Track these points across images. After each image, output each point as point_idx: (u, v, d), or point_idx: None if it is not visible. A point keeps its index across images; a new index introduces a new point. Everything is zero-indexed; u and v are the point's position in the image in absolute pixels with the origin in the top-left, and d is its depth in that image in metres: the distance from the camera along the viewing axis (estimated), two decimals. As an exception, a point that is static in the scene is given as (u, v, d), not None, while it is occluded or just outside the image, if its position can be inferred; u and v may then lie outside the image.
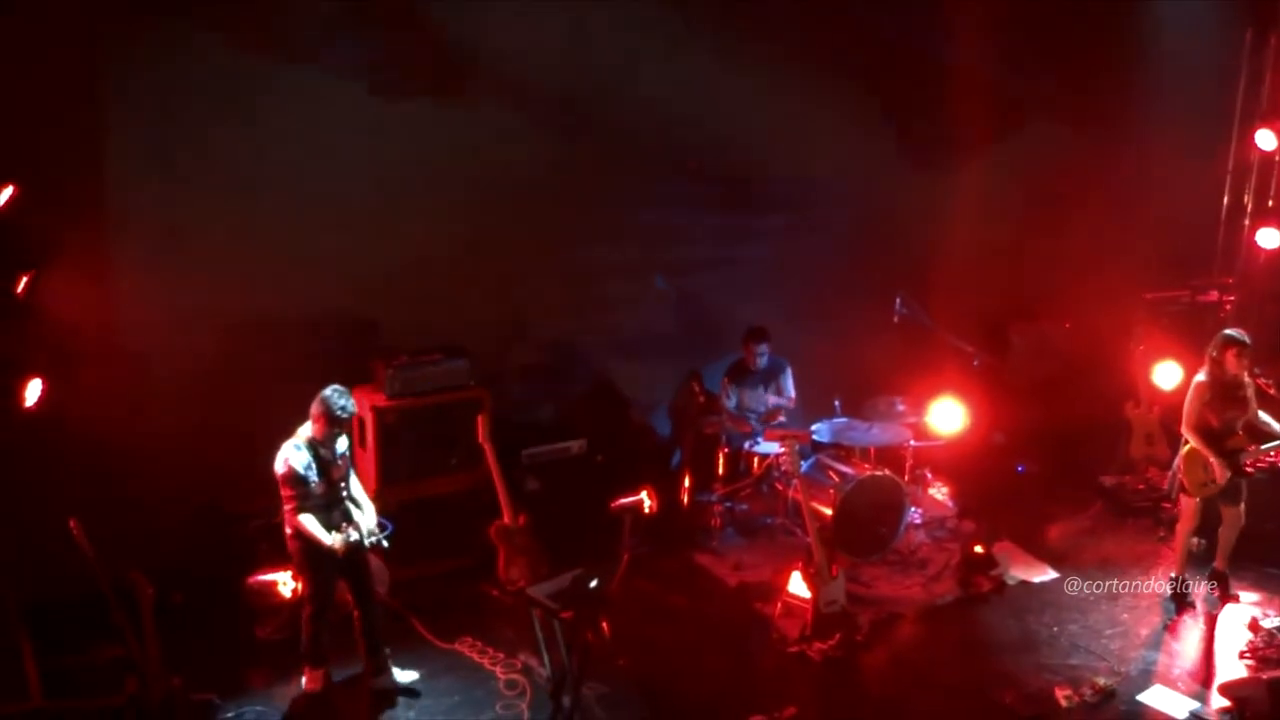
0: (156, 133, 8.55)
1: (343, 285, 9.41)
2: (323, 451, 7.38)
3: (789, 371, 10.56)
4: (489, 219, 9.88)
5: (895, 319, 10.66)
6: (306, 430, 7.36)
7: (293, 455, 7.29)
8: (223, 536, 8.78)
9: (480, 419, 9.00)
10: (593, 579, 7.63)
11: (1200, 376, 8.68)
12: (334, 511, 7.46)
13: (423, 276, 9.62)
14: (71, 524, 7.03)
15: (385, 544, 7.61)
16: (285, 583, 8.23)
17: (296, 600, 8.07)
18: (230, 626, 8.38)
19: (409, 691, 7.83)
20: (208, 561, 8.67)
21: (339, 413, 7.27)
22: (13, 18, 7.84)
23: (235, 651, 8.22)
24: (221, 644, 8.25)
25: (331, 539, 7.26)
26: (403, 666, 7.95)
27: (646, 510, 9.72)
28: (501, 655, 8.25)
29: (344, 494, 7.57)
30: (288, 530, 7.43)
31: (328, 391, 7.30)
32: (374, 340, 9.59)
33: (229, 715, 7.60)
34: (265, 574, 8.41)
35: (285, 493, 7.32)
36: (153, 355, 8.76)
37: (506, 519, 8.96)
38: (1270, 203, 11.67)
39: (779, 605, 8.64)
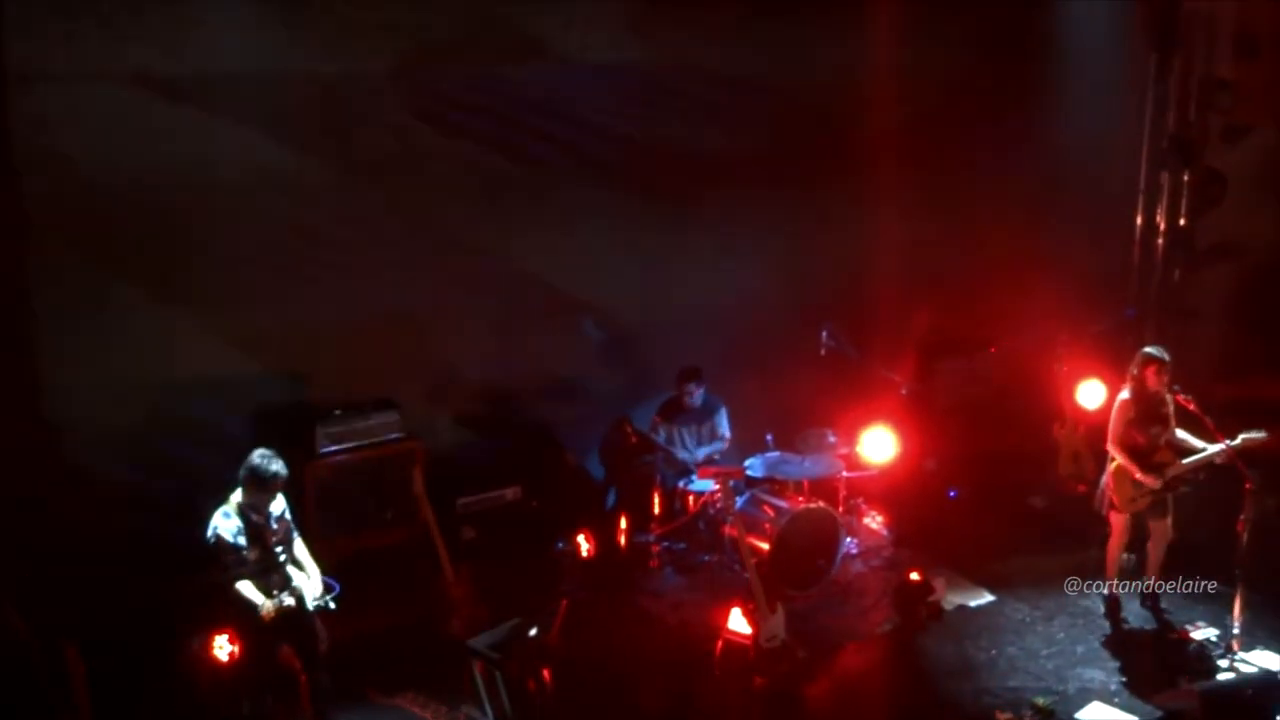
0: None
1: (269, 344, 9.38)
2: (254, 517, 7.25)
3: (724, 411, 10.60)
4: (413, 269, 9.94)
5: (822, 351, 10.74)
6: (238, 495, 7.25)
7: (221, 523, 7.17)
8: (160, 603, 8.66)
9: (414, 471, 8.97)
10: (532, 627, 7.63)
11: (1124, 394, 8.86)
12: (271, 576, 7.31)
13: (349, 330, 9.61)
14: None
15: (332, 605, 7.49)
16: (223, 647, 8.12)
17: (236, 665, 7.96)
18: (170, 694, 8.22)
19: (353, 750, 7.75)
20: (145, 629, 8.53)
21: (267, 477, 7.16)
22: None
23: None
24: (162, 712, 8.11)
25: (262, 604, 7.13)
26: (346, 725, 7.87)
27: (584, 554, 9.76)
28: (444, 709, 8.16)
29: (282, 558, 7.43)
30: (226, 596, 7.32)
31: (255, 457, 7.17)
32: (303, 396, 9.54)
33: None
34: (205, 639, 8.29)
35: (219, 560, 7.21)
36: (78, 422, 8.66)
37: (445, 571, 8.89)
38: (1181, 221, 11.95)
39: (720, 643, 8.64)
